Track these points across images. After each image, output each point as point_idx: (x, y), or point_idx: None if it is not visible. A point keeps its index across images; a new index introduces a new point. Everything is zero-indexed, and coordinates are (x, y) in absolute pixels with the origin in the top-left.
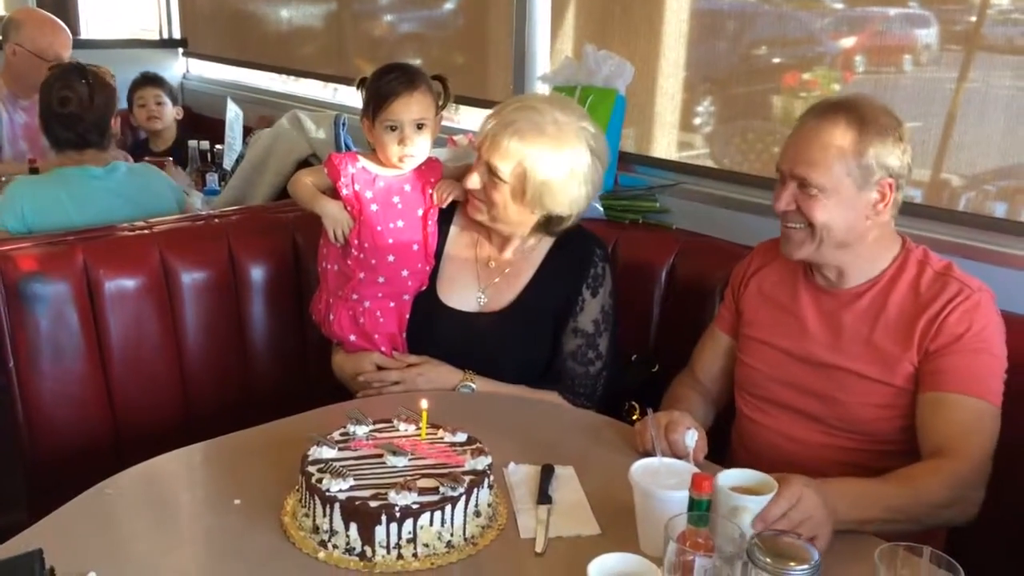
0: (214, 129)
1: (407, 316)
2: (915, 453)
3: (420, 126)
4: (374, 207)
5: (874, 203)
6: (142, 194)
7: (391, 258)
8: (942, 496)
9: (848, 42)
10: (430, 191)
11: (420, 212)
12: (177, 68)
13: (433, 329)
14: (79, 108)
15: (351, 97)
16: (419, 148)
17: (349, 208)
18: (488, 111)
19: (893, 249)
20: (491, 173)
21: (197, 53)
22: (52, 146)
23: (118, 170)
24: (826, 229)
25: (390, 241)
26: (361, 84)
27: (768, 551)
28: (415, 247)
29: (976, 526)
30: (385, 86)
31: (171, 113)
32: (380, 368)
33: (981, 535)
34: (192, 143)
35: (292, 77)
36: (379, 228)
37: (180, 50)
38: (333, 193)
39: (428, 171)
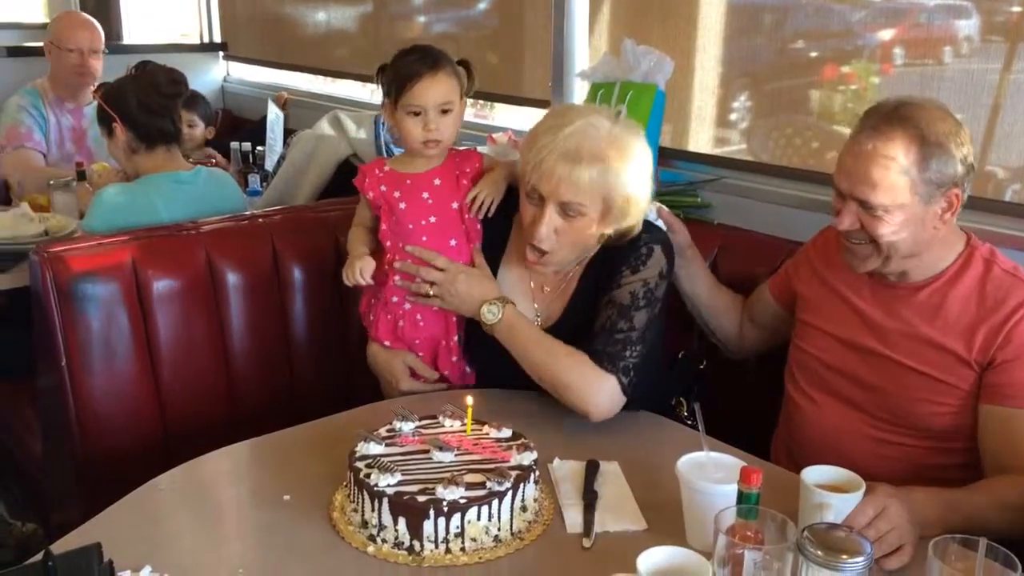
0: (255, 131)
1: (455, 319)
2: (966, 452)
3: (445, 111)
4: (402, 205)
5: (941, 213)
6: (222, 198)
7: None
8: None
9: (887, 34)
10: (465, 182)
11: (455, 205)
12: (218, 71)
13: (496, 342)
14: (176, 99)
15: None
16: (445, 132)
17: (377, 211)
18: (523, 110)
19: (957, 246)
20: (566, 213)
21: (237, 56)
22: (143, 142)
23: (201, 174)
24: (893, 246)
25: (424, 239)
26: (381, 72)
27: (819, 544)
28: (452, 242)
29: None
30: (406, 68)
31: (202, 135)
32: (412, 372)
33: None
34: (234, 145)
35: (330, 78)
36: (410, 226)
37: (220, 54)
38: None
39: (462, 161)
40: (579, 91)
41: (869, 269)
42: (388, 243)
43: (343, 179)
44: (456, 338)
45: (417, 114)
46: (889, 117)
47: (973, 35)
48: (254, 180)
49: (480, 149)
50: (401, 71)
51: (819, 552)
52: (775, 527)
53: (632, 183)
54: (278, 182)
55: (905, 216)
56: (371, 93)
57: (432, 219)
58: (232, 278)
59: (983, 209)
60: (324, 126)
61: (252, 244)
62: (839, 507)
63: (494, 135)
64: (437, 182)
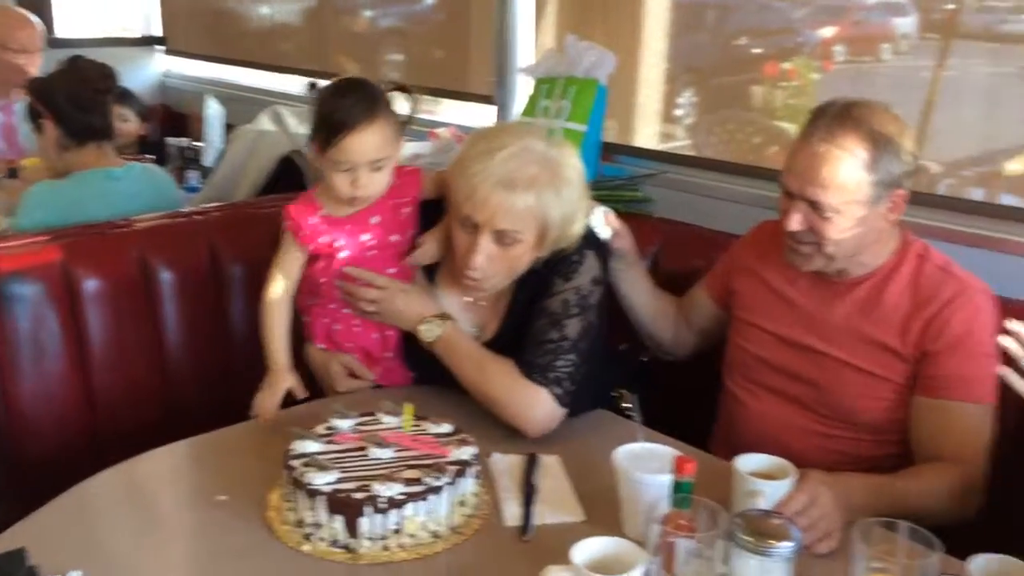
0: (194, 126)
1: (392, 333)
2: (902, 443)
3: (378, 167)
4: (344, 253)
5: (886, 212)
6: (157, 195)
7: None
8: (950, 498)
9: (827, 32)
10: (406, 210)
11: (395, 238)
12: (157, 66)
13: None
14: (107, 95)
15: None
16: (375, 188)
17: (317, 256)
18: (469, 106)
19: (892, 243)
20: (501, 241)
21: (177, 51)
22: (73, 138)
23: (134, 170)
24: (838, 246)
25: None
26: (312, 89)
27: (749, 530)
28: (391, 270)
29: None
30: (338, 115)
31: (134, 131)
32: (350, 372)
33: None
34: (171, 140)
35: (273, 73)
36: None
37: (160, 48)
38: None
39: (401, 189)
40: (523, 86)
41: (813, 268)
42: (321, 280)
43: (284, 175)
44: (394, 345)
45: (346, 169)
46: (841, 118)
47: (911, 32)
48: (192, 177)
49: (422, 145)
50: (332, 117)
51: (749, 538)
52: (707, 515)
53: (569, 205)
54: (217, 179)
55: (853, 217)
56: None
57: (372, 253)
58: (167, 277)
59: (918, 203)
60: (264, 122)
61: (188, 242)
62: (770, 494)
63: (437, 131)
64: (376, 220)
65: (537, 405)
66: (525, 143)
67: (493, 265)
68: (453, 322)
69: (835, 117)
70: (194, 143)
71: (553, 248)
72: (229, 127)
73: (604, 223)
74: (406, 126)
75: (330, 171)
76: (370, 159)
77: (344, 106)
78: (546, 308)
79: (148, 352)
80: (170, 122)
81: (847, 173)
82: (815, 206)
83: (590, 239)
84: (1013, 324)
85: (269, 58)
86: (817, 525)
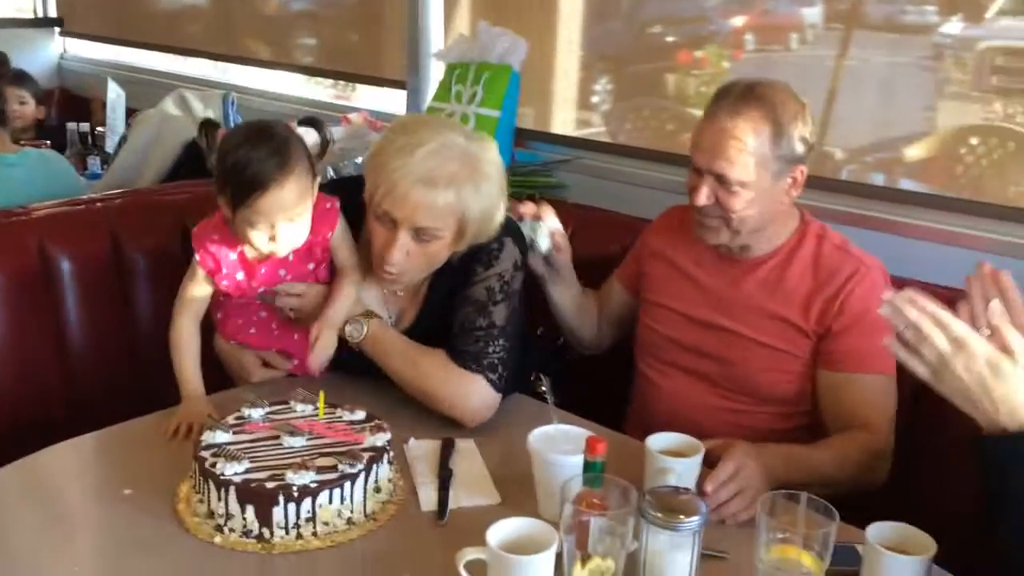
0: (95, 111)
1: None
2: (809, 415)
3: (294, 219)
4: (261, 290)
5: (788, 188)
6: (54, 182)
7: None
8: (860, 465)
9: (738, 21)
10: (321, 239)
11: (311, 266)
12: (54, 48)
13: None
14: None
15: (240, 76)
16: (294, 241)
17: (231, 292)
18: (382, 91)
19: (793, 222)
20: (419, 237)
21: (75, 32)
22: None
23: (30, 156)
24: (743, 220)
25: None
26: (205, 132)
27: (659, 507)
28: (301, 288)
29: None
30: (251, 171)
31: (32, 113)
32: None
33: None
34: (71, 125)
35: (178, 56)
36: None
37: (56, 29)
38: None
39: (319, 224)
40: (435, 72)
41: (719, 242)
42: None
43: (190, 161)
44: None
45: (261, 226)
46: (745, 96)
47: (817, 22)
48: (94, 163)
49: (334, 131)
50: (243, 173)
51: (658, 514)
52: (619, 493)
53: (488, 201)
54: (119, 164)
55: (757, 191)
56: (222, 72)
57: (288, 277)
58: (67, 266)
59: (822, 188)
60: (169, 105)
61: (90, 230)
62: (680, 471)
63: (349, 116)
64: (291, 257)
65: (474, 393)
66: (445, 139)
67: (410, 260)
68: (379, 319)
69: (740, 95)
70: (97, 128)
71: (472, 243)
72: (131, 111)
73: (547, 237)
74: (320, 160)
75: (242, 227)
76: (286, 215)
77: (255, 160)
78: (469, 296)
79: (49, 344)
80: (69, 106)
81: (752, 148)
82: (722, 180)
83: (508, 226)
84: (888, 294)
85: (173, 40)
86: (743, 493)
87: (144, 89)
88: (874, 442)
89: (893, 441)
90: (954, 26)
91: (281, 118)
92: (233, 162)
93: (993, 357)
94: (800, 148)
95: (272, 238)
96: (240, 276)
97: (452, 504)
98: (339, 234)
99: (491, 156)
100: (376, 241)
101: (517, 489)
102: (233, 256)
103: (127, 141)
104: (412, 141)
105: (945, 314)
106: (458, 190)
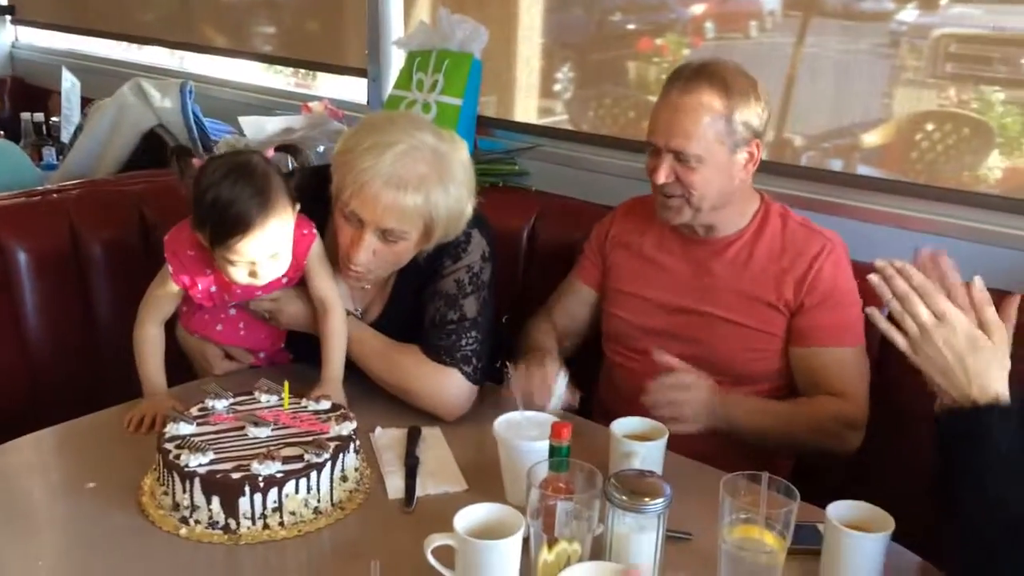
0: (49, 100)
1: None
2: (785, 391)
3: (274, 256)
4: (233, 311)
5: (744, 164)
6: (9, 172)
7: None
8: (829, 424)
9: (697, 9)
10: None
11: (285, 280)
12: (5, 36)
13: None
14: None
15: (198, 64)
16: (275, 273)
17: (204, 302)
18: (343, 79)
19: (754, 204)
20: (386, 238)
21: (27, 20)
22: None
23: None
24: (703, 197)
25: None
26: (178, 159)
27: (624, 489)
28: (283, 280)
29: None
30: (233, 212)
31: None
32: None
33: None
34: (25, 116)
35: (134, 44)
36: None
37: (8, 17)
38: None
39: (295, 246)
40: (396, 60)
41: (681, 221)
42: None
43: (148, 151)
44: (283, 338)
45: (243, 264)
46: (697, 74)
47: (776, 10)
48: (49, 153)
49: (295, 119)
50: (224, 213)
51: (624, 497)
52: (584, 477)
53: (456, 202)
54: (76, 155)
55: (715, 166)
56: (179, 61)
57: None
58: (24, 258)
59: (781, 174)
60: (126, 94)
61: (47, 221)
62: (645, 455)
63: (310, 104)
64: None
65: (450, 387)
66: (415, 139)
67: (376, 259)
68: (355, 319)
69: (691, 75)
70: (52, 118)
71: (439, 242)
72: (86, 100)
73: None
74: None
75: (222, 263)
76: (268, 254)
77: (237, 199)
78: (439, 290)
79: (7, 337)
80: (23, 96)
81: (707, 123)
82: (680, 157)
83: (476, 218)
84: (879, 262)
85: (129, 28)
86: (679, 401)
87: (99, 78)
88: (848, 409)
89: (867, 410)
90: (909, 14)
91: (240, 107)
92: (213, 199)
93: (972, 332)
94: (755, 121)
95: (252, 273)
96: (214, 290)
97: (419, 492)
98: (315, 259)
99: (461, 156)
100: (342, 239)
101: (484, 475)
102: (209, 272)
103: (83, 131)
104: (381, 141)
105: (931, 286)
106: (427, 192)
